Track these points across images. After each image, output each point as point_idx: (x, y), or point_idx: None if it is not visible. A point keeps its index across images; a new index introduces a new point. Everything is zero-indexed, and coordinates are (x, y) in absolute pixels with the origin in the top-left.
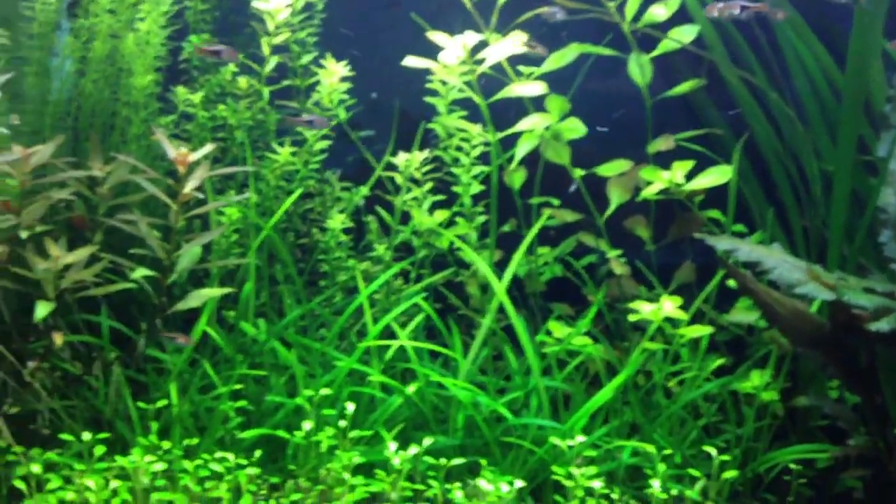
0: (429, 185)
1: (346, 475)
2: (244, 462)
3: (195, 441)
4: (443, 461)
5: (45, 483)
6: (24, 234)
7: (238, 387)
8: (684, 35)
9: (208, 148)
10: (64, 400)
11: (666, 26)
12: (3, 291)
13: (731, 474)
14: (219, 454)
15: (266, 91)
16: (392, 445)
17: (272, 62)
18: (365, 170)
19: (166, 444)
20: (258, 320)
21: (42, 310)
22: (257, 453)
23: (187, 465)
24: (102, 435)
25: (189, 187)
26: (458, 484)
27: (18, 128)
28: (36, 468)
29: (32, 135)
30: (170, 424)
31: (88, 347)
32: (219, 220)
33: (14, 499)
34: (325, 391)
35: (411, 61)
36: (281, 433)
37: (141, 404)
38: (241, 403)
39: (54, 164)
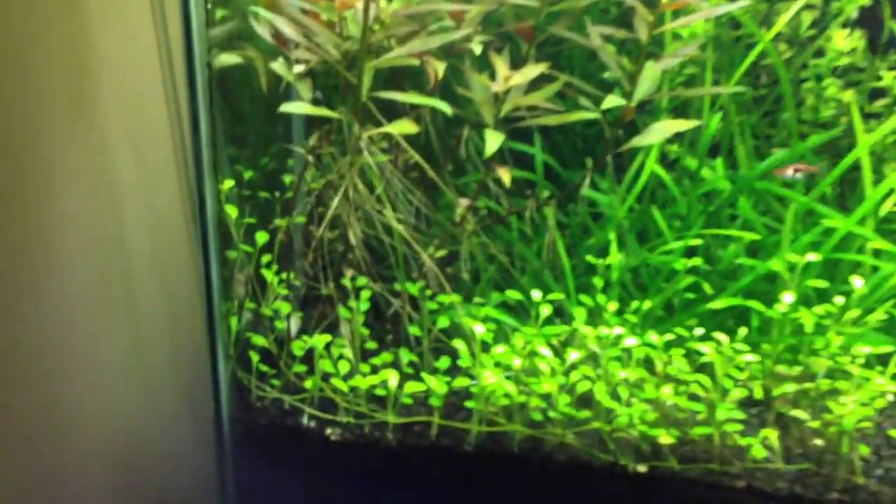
0: None
1: (855, 369)
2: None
3: (641, 304)
4: None
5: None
6: (476, 48)
7: (693, 242)
8: None
9: None
10: (481, 241)
11: None
12: (433, 115)
13: None
14: (697, 328)
15: None
16: None
17: None
18: None
19: (612, 305)
20: (714, 161)
21: (493, 142)
22: (742, 331)
23: (656, 337)
24: (553, 295)
25: None
26: None
27: None
28: (478, 324)
29: None
30: (608, 281)
31: (518, 185)
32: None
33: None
34: (811, 256)
35: None
36: (754, 304)
37: (591, 259)
38: (695, 262)
39: None
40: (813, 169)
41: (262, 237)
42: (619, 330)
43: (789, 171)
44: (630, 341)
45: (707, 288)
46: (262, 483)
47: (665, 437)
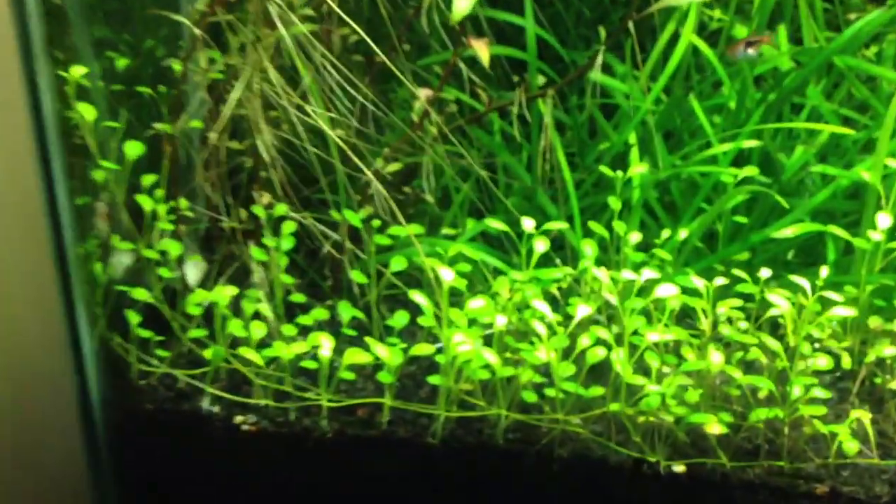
0: None
1: None
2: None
3: (675, 234)
4: None
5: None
6: None
7: (745, 144)
8: None
9: None
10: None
11: None
12: None
13: None
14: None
15: None
16: None
17: None
18: None
19: (634, 235)
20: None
21: (463, 1)
22: (822, 271)
23: (701, 282)
24: (551, 224)
25: None
26: None
27: None
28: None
29: None
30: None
31: (501, 69)
32: None
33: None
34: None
35: None
36: (835, 230)
37: (605, 171)
38: (749, 171)
39: None
40: (765, 40)
41: (133, 148)
42: (648, 273)
43: (740, 49)
44: (664, 290)
45: (781, 202)
46: (151, 486)
47: (712, 425)
